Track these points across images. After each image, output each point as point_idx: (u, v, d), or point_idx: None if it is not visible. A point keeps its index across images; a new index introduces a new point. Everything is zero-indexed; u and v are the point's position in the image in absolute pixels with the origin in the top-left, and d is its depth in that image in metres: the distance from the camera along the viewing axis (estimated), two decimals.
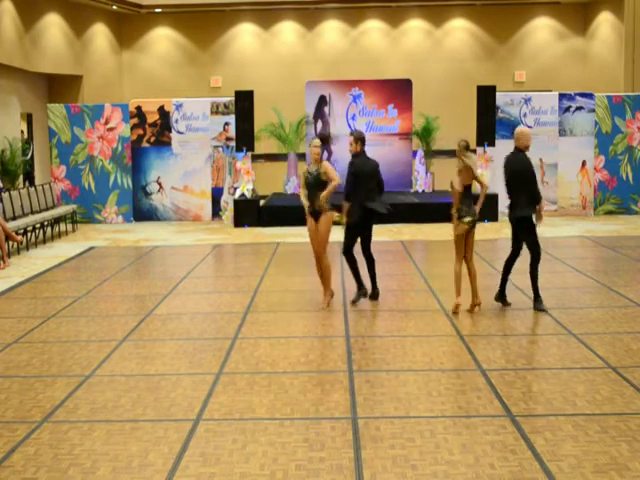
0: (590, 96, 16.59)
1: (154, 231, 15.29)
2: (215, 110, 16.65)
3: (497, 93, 16.32)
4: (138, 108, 16.75)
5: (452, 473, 4.47)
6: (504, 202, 10.69)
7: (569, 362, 6.47)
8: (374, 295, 8.90)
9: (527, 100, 16.65)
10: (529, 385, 5.95)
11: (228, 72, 21.79)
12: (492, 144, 15.92)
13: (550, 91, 18.50)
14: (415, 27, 21.94)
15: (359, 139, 8.73)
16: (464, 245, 8.20)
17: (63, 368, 6.59)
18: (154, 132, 16.71)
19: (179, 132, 16.67)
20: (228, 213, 15.86)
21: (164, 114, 16.71)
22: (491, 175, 15.62)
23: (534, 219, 8.20)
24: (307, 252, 12.41)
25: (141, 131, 16.72)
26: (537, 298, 8.27)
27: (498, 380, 6.03)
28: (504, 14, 21.77)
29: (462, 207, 8.09)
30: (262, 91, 18.85)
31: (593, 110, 16.47)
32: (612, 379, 6.02)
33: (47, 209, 15.12)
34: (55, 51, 19.57)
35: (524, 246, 8.30)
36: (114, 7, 20.80)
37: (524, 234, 8.22)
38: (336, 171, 8.58)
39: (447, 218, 16.57)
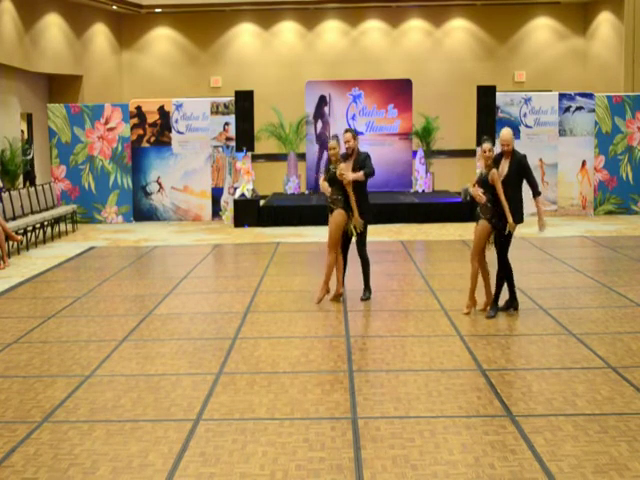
0: (590, 96, 16.58)
1: (154, 231, 15.29)
2: (215, 110, 16.65)
3: (497, 93, 16.31)
4: (138, 108, 16.76)
5: (452, 473, 4.47)
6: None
7: (569, 362, 6.47)
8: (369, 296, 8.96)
9: (527, 100, 16.65)
10: (529, 385, 5.94)
11: (228, 72, 21.78)
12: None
13: (550, 91, 18.50)
14: (415, 27, 21.93)
15: (357, 135, 8.76)
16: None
17: (63, 368, 6.59)
18: (154, 132, 16.71)
19: (179, 132, 16.67)
20: (228, 213, 15.85)
21: (164, 114, 16.71)
22: None
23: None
24: (307, 252, 12.42)
25: (141, 131, 16.72)
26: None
27: (498, 380, 6.03)
28: (504, 14, 21.77)
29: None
30: (262, 91, 18.87)
31: (593, 110, 16.47)
32: (612, 379, 6.02)
33: (47, 209, 15.12)
34: (55, 51, 19.56)
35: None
36: (114, 7, 20.79)
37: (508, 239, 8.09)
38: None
39: (447, 218, 16.50)
